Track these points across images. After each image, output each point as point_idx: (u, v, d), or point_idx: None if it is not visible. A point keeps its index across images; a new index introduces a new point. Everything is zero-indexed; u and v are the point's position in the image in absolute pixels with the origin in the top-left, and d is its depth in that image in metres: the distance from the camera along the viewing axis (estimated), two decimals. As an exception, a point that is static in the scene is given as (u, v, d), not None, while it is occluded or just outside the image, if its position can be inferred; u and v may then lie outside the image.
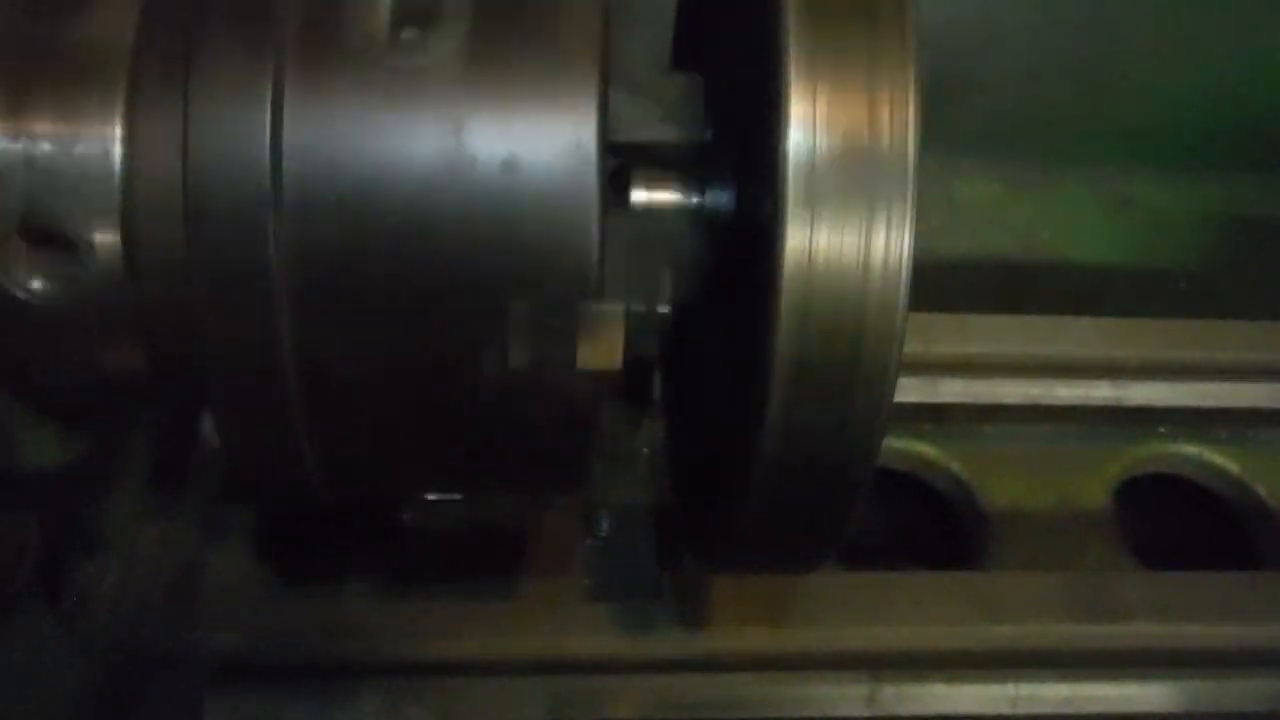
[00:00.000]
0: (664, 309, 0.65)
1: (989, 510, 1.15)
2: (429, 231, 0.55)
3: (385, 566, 1.01)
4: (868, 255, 0.55)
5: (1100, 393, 1.20)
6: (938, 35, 1.34)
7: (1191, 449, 1.21)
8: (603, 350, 0.57)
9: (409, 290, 0.57)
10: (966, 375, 1.16)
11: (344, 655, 0.96)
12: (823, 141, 0.54)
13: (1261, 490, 1.19)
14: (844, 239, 0.55)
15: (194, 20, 0.55)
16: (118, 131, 0.57)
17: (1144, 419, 1.20)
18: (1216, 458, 1.20)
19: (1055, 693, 0.96)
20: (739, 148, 0.65)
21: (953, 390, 1.17)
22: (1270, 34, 1.38)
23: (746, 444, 0.60)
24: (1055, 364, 1.20)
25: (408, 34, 0.55)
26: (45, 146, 0.56)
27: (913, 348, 1.14)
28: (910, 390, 1.15)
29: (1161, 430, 1.21)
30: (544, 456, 0.64)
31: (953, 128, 1.41)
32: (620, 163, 0.64)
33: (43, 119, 0.56)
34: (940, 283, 1.47)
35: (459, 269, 0.56)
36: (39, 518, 0.71)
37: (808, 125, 0.54)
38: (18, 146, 0.56)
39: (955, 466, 1.16)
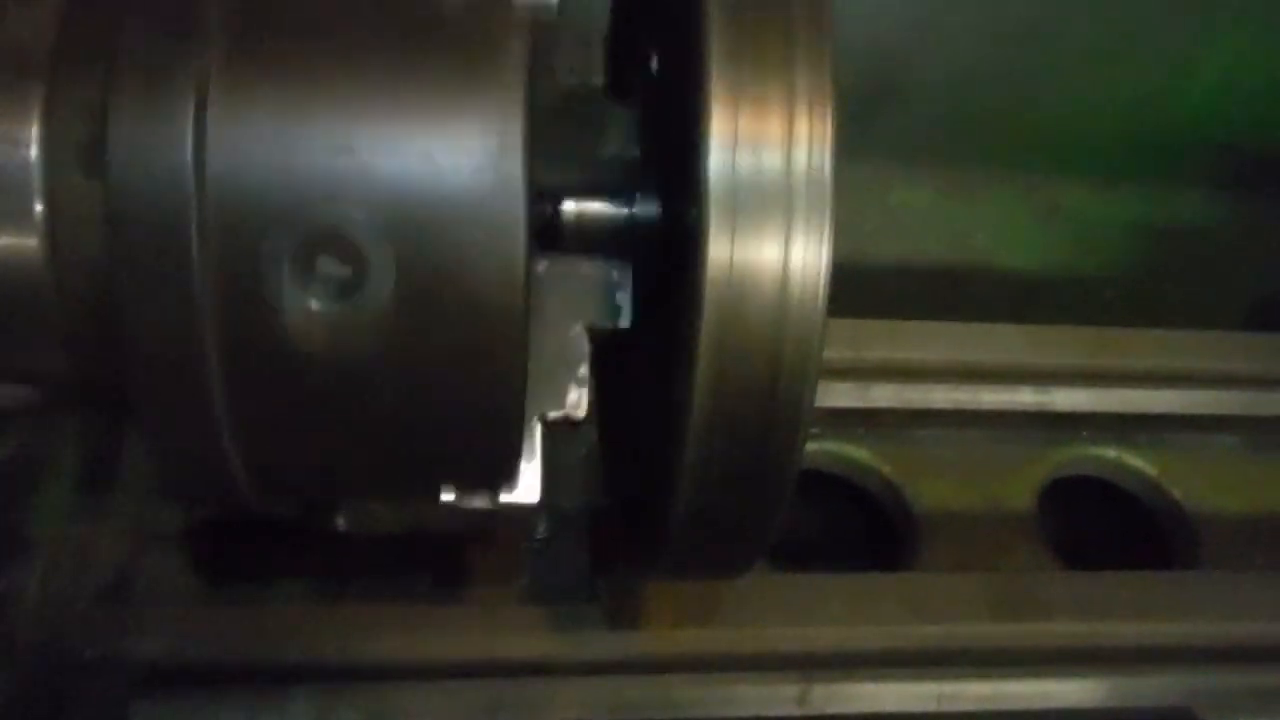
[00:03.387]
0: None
1: (918, 512, 1.17)
2: None
3: (318, 571, 1.01)
4: (786, 265, 0.56)
5: (1026, 398, 1.23)
6: (872, 44, 1.38)
7: (1111, 452, 1.24)
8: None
9: None
10: (898, 380, 1.18)
11: (274, 659, 0.95)
12: (743, 156, 0.55)
13: (1176, 493, 1.22)
14: (763, 250, 0.56)
15: (116, 23, 0.55)
16: (34, 132, 0.56)
17: (1067, 424, 1.23)
18: (1135, 461, 1.24)
19: (979, 690, 0.98)
20: (665, 162, 0.66)
21: (884, 395, 1.19)
22: (1193, 49, 1.42)
23: (671, 451, 0.61)
24: (983, 369, 1.23)
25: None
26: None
27: (845, 353, 1.19)
28: (842, 395, 1.17)
29: (1084, 434, 1.24)
30: (475, 453, 0.65)
31: (888, 135, 1.44)
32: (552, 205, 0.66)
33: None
34: (875, 287, 1.50)
35: None
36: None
37: (728, 140, 0.55)
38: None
39: (886, 469, 1.19)
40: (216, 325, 0.56)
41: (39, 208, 0.57)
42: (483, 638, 0.98)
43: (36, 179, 0.56)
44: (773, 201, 0.56)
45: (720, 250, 0.55)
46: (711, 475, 0.60)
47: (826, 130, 0.56)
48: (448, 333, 0.57)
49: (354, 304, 0.56)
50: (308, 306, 0.56)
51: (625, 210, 0.68)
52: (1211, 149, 1.49)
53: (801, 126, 0.56)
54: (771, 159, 0.55)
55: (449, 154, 0.56)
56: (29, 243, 0.57)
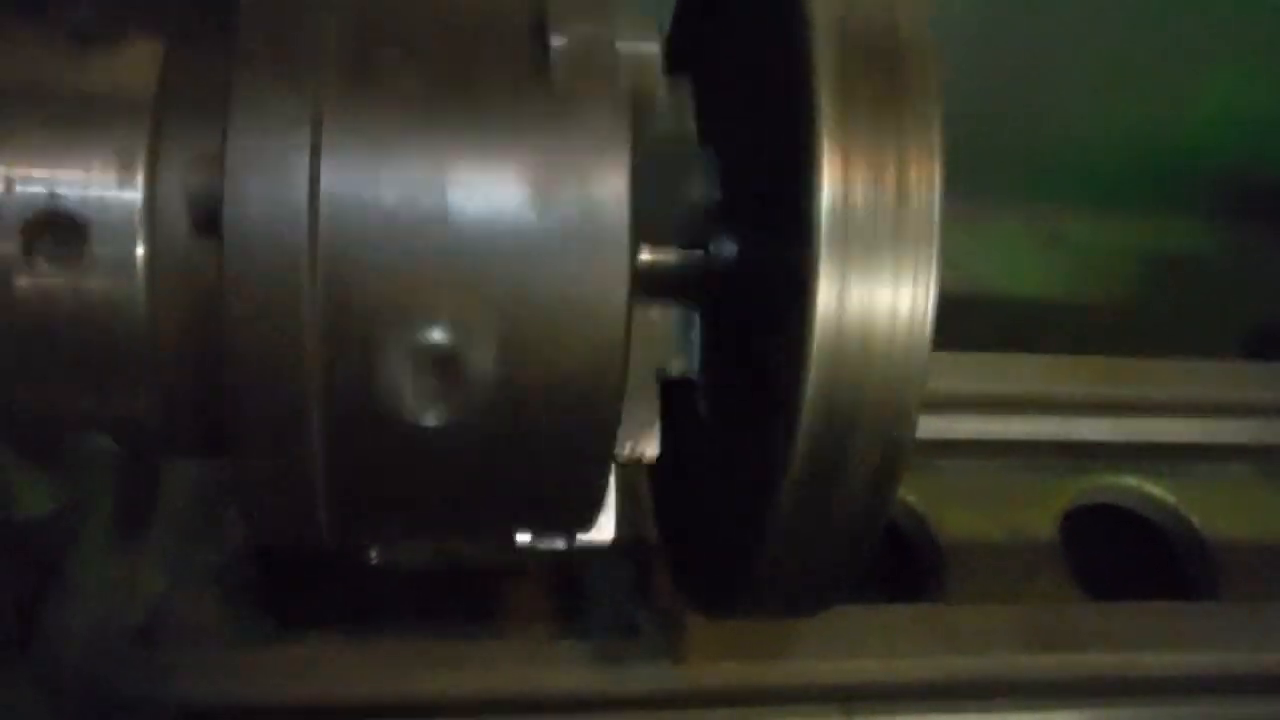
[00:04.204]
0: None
1: (944, 541, 1.18)
2: None
3: (352, 606, 0.99)
4: (894, 309, 0.56)
5: (1046, 427, 1.24)
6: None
7: (1130, 481, 1.26)
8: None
9: None
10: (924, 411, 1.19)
11: (310, 697, 0.94)
12: (854, 197, 0.56)
13: (1194, 520, 1.24)
14: (873, 295, 0.56)
15: (221, 68, 0.54)
16: (140, 180, 0.55)
17: (1086, 453, 1.25)
18: (1153, 489, 1.26)
19: (1017, 721, 0.99)
20: (747, 203, 0.66)
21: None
22: (1192, 82, 1.45)
23: (761, 499, 0.61)
24: (1005, 399, 1.24)
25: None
26: (65, 192, 0.54)
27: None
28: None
29: (1102, 463, 1.26)
30: (562, 499, 0.64)
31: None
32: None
33: (62, 166, 0.54)
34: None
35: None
36: (19, 565, 0.68)
37: (839, 181, 0.55)
38: (35, 190, 0.54)
39: (911, 498, 1.19)
40: (321, 383, 0.55)
41: (140, 253, 0.55)
42: (523, 673, 0.97)
43: (140, 228, 0.55)
44: (882, 246, 0.56)
45: (829, 293, 0.56)
46: (804, 524, 0.60)
47: (935, 172, 0.56)
48: (548, 390, 0.57)
49: (459, 368, 0.56)
50: (414, 371, 0.55)
51: (700, 254, 0.68)
52: (1209, 179, 1.52)
53: (910, 170, 0.56)
54: (882, 202, 0.56)
55: (554, 211, 0.56)
56: (129, 290, 0.56)
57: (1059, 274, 1.62)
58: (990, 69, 1.47)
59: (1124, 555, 1.28)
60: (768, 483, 0.61)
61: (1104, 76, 1.47)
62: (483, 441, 0.58)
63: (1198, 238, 1.55)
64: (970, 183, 1.56)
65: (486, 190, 0.55)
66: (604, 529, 0.69)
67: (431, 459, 0.59)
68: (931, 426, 1.20)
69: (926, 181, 0.57)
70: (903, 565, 1.20)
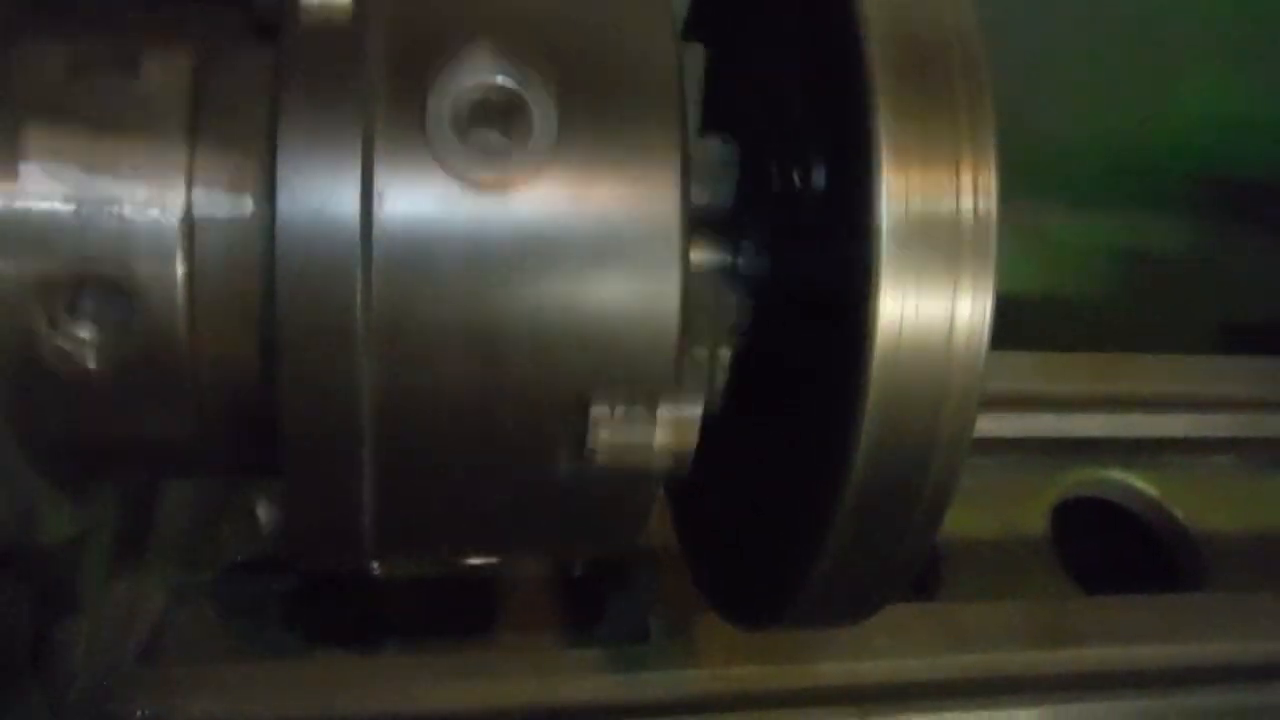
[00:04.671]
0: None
1: (939, 537, 1.18)
2: (510, 318, 0.54)
3: (356, 619, 0.98)
4: (953, 321, 0.56)
5: (1035, 424, 1.26)
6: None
7: (1116, 475, 1.28)
8: (683, 432, 0.57)
9: (492, 370, 0.55)
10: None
11: (316, 712, 0.92)
12: (914, 208, 0.55)
13: (1178, 512, 1.26)
14: (933, 306, 0.56)
15: (275, 83, 0.52)
16: (179, 199, 0.53)
17: (1074, 448, 1.26)
18: (1138, 482, 1.28)
19: (1026, 717, 0.99)
20: (782, 210, 0.66)
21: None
22: (1172, 82, 1.47)
23: (815, 512, 0.60)
24: (994, 398, 1.24)
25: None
26: (106, 206, 0.52)
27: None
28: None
29: (1090, 458, 1.27)
30: (609, 520, 0.63)
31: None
32: None
33: (102, 178, 0.52)
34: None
35: (542, 359, 0.55)
36: (33, 590, 0.66)
37: (900, 196, 0.55)
38: (72, 207, 0.51)
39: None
40: (375, 403, 0.53)
41: (181, 272, 0.53)
42: (532, 683, 0.96)
43: (179, 245, 0.53)
44: (942, 257, 0.55)
45: (890, 305, 0.55)
46: (862, 541, 0.60)
47: (992, 180, 0.56)
48: None
49: None
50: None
51: (730, 259, 0.68)
52: (1187, 177, 1.54)
53: (967, 177, 0.56)
54: (943, 212, 0.55)
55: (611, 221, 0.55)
56: (168, 310, 0.53)
57: (1036, 269, 1.63)
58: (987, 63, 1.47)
59: (1113, 548, 1.30)
60: (823, 500, 0.60)
61: (1085, 75, 1.49)
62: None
63: (1175, 234, 1.58)
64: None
65: None
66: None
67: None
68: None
69: (985, 189, 0.56)
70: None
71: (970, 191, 0.56)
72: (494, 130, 0.53)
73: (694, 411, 0.58)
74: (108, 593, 0.83)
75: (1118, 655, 1.06)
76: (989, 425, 1.23)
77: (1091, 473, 1.28)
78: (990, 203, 0.56)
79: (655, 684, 0.96)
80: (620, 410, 0.55)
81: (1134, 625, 1.09)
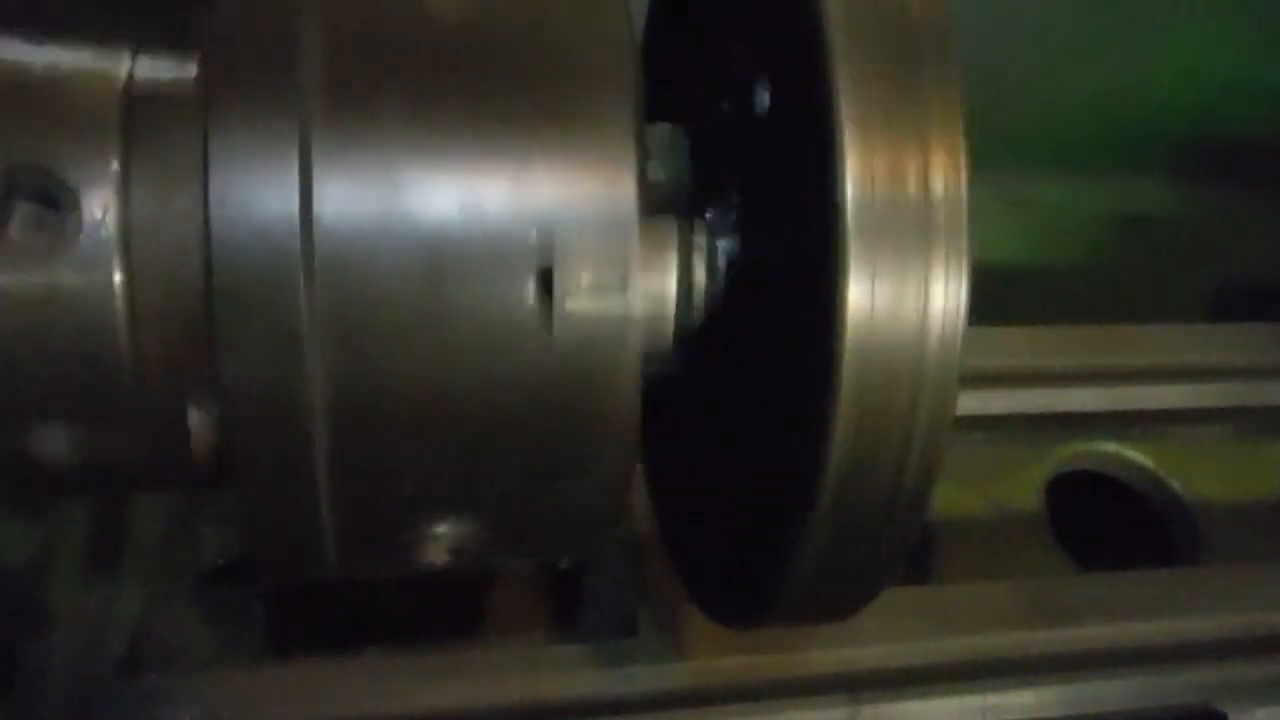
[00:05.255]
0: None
1: (931, 517, 1.17)
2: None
3: (341, 620, 0.96)
4: (926, 305, 0.54)
5: (1025, 398, 1.24)
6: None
7: (1111, 447, 1.26)
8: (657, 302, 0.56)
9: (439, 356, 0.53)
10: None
11: (300, 717, 0.91)
12: (880, 189, 0.53)
13: (1175, 484, 1.25)
14: (904, 290, 0.54)
15: (207, 72, 0.50)
16: (112, 195, 0.51)
17: (1066, 422, 1.25)
18: (1133, 455, 1.26)
19: (1023, 699, 0.98)
20: (746, 194, 0.63)
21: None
22: (1157, 45, 1.45)
23: (796, 501, 0.58)
24: (983, 372, 1.23)
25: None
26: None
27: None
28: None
29: (1083, 432, 1.25)
30: (579, 520, 0.61)
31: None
32: None
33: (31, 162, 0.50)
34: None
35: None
36: (2, 610, 0.64)
37: (864, 172, 0.53)
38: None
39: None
40: (325, 397, 0.51)
41: (119, 279, 0.51)
42: (519, 680, 0.94)
43: (115, 245, 0.51)
44: (912, 238, 0.53)
45: (860, 293, 0.53)
46: (841, 534, 0.58)
47: (960, 160, 0.54)
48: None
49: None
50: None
51: (693, 238, 0.65)
52: (1173, 140, 1.52)
53: (936, 156, 0.53)
54: (910, 192, 0.53)
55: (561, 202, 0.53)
56: (107, 318, 0.51)
57: (1025, 238, 1.61)
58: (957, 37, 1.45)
59: (1108, 521, 1.28)
60: (801, 493, 0.58)
61: (1069, 39, 1.46)
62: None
63: (1162, 199, 1.56)
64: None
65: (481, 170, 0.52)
66: None
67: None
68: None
69: (953, 169, 0.54)
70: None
71: (940, 170, 0.53)
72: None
73: (667, 282, 0.55)
74: (82, 605, 0.82)
75: (1114, 632, 1.05)
76: (978, 402, 1.21)
77: (1085, 446, 1.26)
78: (959, 182, 0.54)
79: (644, 678, 0.94)
80: (587, 278, 0.53)
81: (1130, 601, 1.07)
